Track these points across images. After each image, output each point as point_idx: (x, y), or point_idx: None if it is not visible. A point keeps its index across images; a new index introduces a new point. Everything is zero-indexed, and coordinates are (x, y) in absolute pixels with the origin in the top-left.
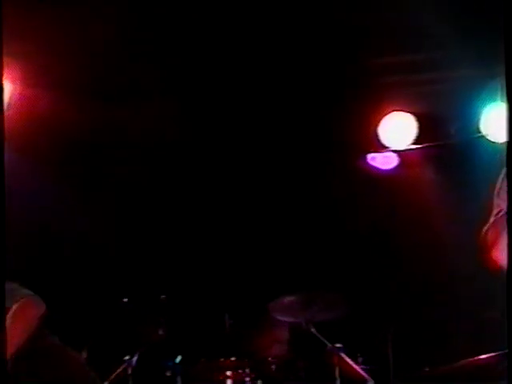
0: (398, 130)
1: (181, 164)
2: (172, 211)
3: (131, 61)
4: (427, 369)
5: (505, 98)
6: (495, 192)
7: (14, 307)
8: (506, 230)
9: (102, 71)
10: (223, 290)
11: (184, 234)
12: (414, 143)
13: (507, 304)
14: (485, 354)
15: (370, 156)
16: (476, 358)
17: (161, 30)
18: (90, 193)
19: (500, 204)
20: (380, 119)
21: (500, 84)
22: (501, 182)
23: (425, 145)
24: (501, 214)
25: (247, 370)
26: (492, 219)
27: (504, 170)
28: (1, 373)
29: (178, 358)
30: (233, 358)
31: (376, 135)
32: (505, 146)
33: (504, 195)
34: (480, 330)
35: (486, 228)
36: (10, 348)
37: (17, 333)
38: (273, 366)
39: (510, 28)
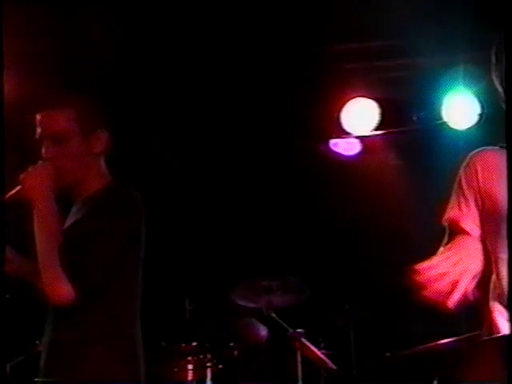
0: (361, 115)
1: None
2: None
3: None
4: (388, 354)
5: (505, 99)
6: (456, 183)
7: None
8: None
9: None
10: (184, 275)
11: (147, 218)
12: (376, 129)
13: (508, 303)
14: (446, 339)
15: (332, 142)
16: (436, 342)
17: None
18: None
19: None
20: (343, 105)
21: (462, 71)
22: (462, 174)
23: (387, 131)
24: (447, 214)
25: (208, 356)
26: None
27: (467, 160)
28: (1, 372)
29: None
30: (194, 343)
31: (338, 121)
32: (505, 146)
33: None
34: (441, 315)
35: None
36: None
37: None
38: (235, 352)
39: (510, 28)
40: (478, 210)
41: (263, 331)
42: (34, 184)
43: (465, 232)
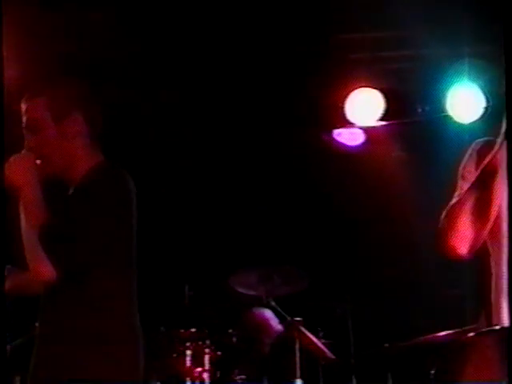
0: (365, 106)
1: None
2: (136, 179)
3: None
4: (387, 345)
5: (505, 98)
6: (459, 173)
7: None
8: (462, 216)
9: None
10: (184, 261)
11: (147, 203)
12: (380, 120)
13: (508, 302)
14: (444, 331)
15: (336, 132)
16: (435, 334)
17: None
18: None
19: (462, 186)
20: (347, 95)
21: (467, 64)
22: (465, 163)
23: (391, 122)
24: (454, 199)
25: (207, 342)
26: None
27: (470, 151)
28: (1, 373)
29: None
30: (193, 330)
31: (343, 111)
32: (505, 147)
33: (468, 175)
34: (441, 307)
35: (443, 214)
36: None
37: None
38: (233, 338)
39: (510, 27)
40: None
41: (278, 326)
42: (16, 171)
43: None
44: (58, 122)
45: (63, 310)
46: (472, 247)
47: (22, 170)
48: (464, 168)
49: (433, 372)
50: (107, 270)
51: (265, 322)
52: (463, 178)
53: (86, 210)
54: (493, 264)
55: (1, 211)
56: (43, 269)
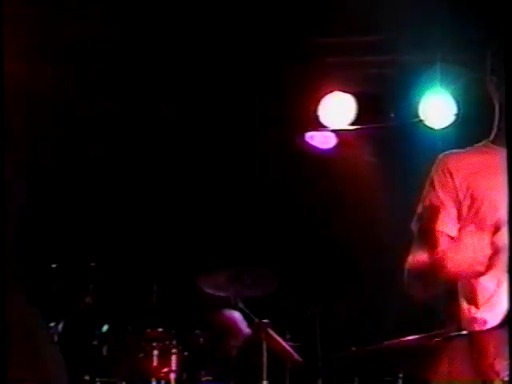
0: (338, 109)
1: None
2: (105, 179)
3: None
4: (354, 348)
5: (505, 96)
6: (427, 181)
7: None
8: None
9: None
10: (153, 260)
11: (117, 202)
12: (352, 124)
13: (509, 301)
14: (413, 335)
15: (308, 134)
16: (403, 338)
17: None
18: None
19: (425, 196)
20: (320, 98)
21: (440, 70)
22: (432, 173)
23: (363, 126)
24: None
25: (174, 342)
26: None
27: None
28: (1, 372)
29: (105, 327)
30: (160, 329)
31: (315, 114)
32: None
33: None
34: (409, 310)
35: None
36: None
37: None
38: (200, 339)
39: (510, 27)
40: (457, 210)
41: (246, 328)
42: None
43: (443, 234)
44: None
45: None
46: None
47: None
48: (433, 181)
49: (401, 376)
50: None
51: (233, 324)
52: (431, 191)
53: None
54: None
55: (1, 211)
56: None
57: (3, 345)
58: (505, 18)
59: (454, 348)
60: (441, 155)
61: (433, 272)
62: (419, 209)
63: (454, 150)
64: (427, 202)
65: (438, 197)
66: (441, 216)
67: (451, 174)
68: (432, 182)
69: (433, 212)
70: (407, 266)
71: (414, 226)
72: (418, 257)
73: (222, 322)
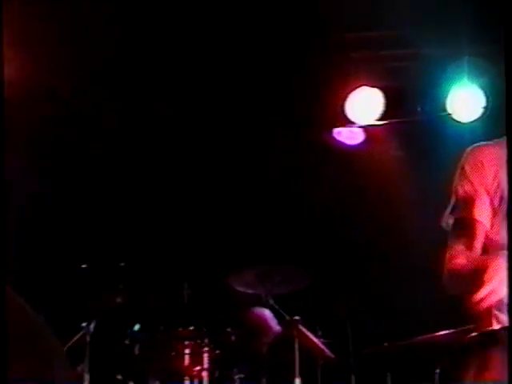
0: (365, 105)
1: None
2: (134, 178)
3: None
4: (386, 344)
5: (505, 95)
6: (456, 174)
7: None
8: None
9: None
10: (183, 259)
11: (146, 202)
12: (380, 119)
13: (508, 302)
14: (444, 330)
15: (336, 130)
16: (434, 334)
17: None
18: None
19: (457, 189)
20: (347, 94)
21: (467, 64)
22: (461, 165)
23: (391, 121)
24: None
25: (206, 340)
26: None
27: (466, 153)
28: (1, 372)
29: (137, 326)
30: (191, 328)
31: (343, 110)
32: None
33: (464, 179)
34: (441, 306)
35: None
36: None
37: None
38: (232, 337)
39: (510, 27)
40: (490, 200)
41: (276, 326)
42: None
43: (481, 224)
44: None
45: None
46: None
47: None
48: (462, 173)
49: (437, 371)
50: None
51: (263, 322)
52: (462, 184)
53: None
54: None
55: (1, 210)
56: None
57: (3, 345)
58: (505, 18)
59: (489, 343)
60: (470, 147)
61: (473, 276)
62: (452, 201)
63: (483, 142)
64: (461, 193)
65: (473, 186)
66: (476, 205)
67: (482, 165)
68: (464, 173)
69: (468, 202)
70: (447, 265)
71: (447, 219)
72: (459, 260)
73: (253, 320)
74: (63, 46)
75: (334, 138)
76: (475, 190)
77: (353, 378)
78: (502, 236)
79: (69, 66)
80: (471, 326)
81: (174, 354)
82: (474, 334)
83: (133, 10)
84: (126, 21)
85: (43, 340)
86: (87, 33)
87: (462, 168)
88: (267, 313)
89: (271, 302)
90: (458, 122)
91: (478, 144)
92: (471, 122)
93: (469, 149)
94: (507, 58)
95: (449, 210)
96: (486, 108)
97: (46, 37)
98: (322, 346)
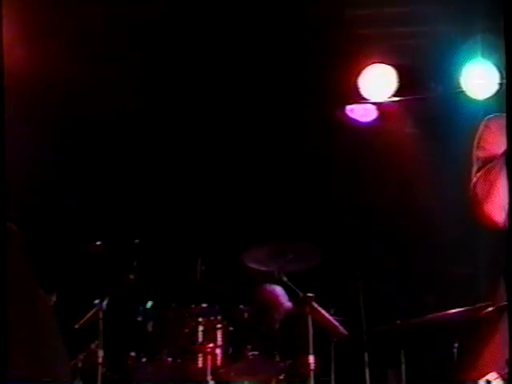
0: (378, 82)
1: (156, 111)
2: (146, 156)
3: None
4: (398, 322)
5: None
6: (475, 144)
7: None
8: (498, 181)
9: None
10: (196, 236)
11: (159, 179)
12: (393, 96)
13: (507, 297)
14: (456, 308)
15: (349, 107)
16: (447, 312)
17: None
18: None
19: (479, 155)
20: (360, 71)
21: (481, 40)
22: (482, 135)
23: (404, 98)
24: (488, 165)
25: (219, 317)
26: (479, 173)
27: (484, 123)
28: (1, 373)
29: (149, 303)
30: (204, 305)
31: (356, 87)
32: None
33: (488, 146)
34: (453, 284)
35: (474, 181)
36: None
37: None
38: (245, 314)
39: (510, 27)
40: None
41: (287, 302)
42: None
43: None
44: None
45: None
46: (507, 215)
47: None
48: (482, 139)
49: (455, 348)
50: None
51: (274, 298)
52: (483, 149)
53: None
54: None
55: (1, 208)
56: None
57: (3, 345)
58: (505, 18)
59: (506, 318)
60: (486, 117)
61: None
62: (474, 169)
63: (498, 114)
64: (481, 157)
65: (491, 152)
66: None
67: (500, 133)
68: (483, 141)
69: (488, 163)
70: (475, 179)
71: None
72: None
73: (264, 297)
74: (66, 41)
75: (348, 115)
76: (493, 156)
77: (366, 355)
78: None
79: (72, 60)
80: (483, 304)
81: (187, 331)
82: (490, 308)
83: (136, 7)
84: (128, 19)
85: (57, 338)
86: (90, 30)
87: (480, 137)
88: (278, 289)
89: (284, 279)
90: (472, 98)
91: (495, 114)
92: (486, 98)
93: (485, 119)
94: (508, 57)
95: (473, 176)
96: (500, 84)
97: (48, 30)
98: (336, 323)
